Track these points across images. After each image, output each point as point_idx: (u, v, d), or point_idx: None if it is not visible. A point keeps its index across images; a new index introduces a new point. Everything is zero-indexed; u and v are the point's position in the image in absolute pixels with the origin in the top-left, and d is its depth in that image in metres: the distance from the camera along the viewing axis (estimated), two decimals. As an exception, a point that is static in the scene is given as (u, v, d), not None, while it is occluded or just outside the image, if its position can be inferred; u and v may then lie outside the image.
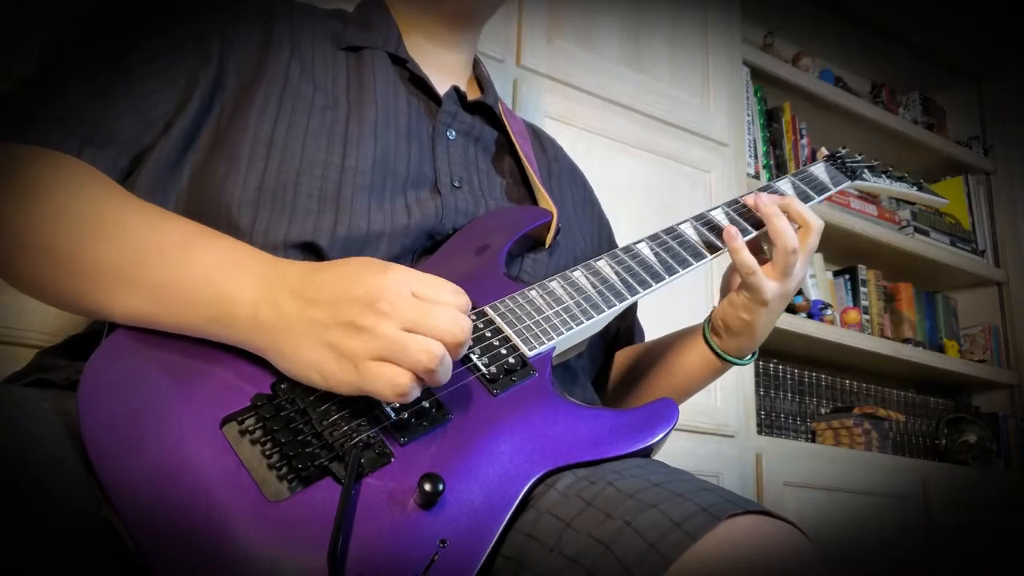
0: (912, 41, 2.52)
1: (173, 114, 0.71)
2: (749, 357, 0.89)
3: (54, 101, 0.66)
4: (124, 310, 0.58)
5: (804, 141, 2.26)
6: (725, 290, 0.87)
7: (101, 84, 0.68)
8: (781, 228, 0.80)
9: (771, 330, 0.86)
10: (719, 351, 0.87)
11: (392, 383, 0.52)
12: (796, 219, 0.82)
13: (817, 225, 0.82)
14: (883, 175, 1.06)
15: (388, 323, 0.53)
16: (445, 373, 0.54)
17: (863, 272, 2.36)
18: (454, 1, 0.88)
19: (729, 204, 0.87)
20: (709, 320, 0.89)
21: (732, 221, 0.85)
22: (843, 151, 1.04)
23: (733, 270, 0.85)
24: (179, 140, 0.70)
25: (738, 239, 0.80)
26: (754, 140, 2.10)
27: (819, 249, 2.23)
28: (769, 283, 0.80)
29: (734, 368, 0.90)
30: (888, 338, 2.29)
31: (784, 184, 0.93)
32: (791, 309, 2.02)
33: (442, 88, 0.87)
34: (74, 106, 0.66)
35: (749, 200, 0.86)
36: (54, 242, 0.59)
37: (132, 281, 0.58)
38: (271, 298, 0.56)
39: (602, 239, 1.02)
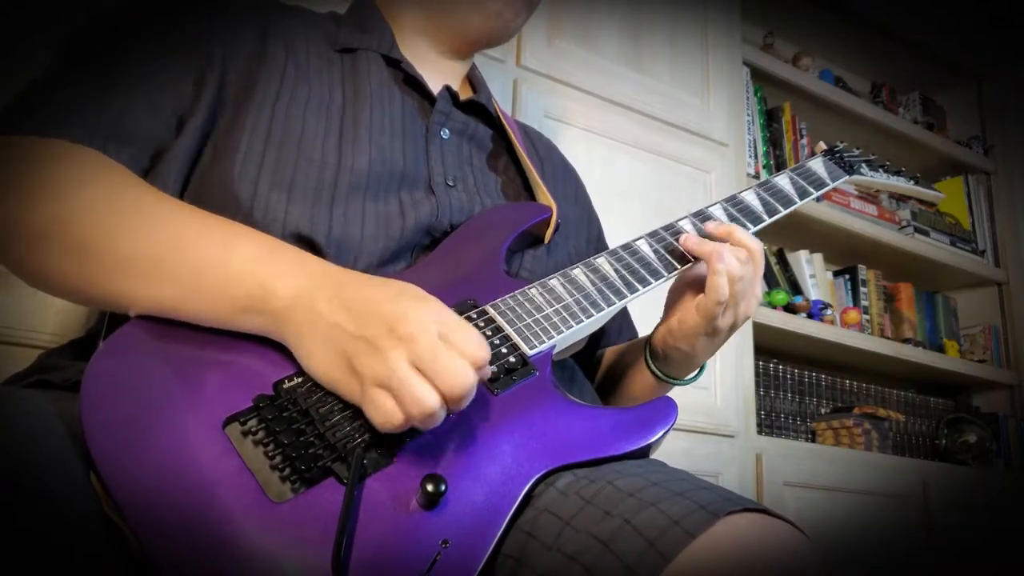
0: (912, 41, 2.52)
1: (186, 112, 0.71)
2: (697, 374, 0.87)
3: (74, 99, 0.67)
4: (153, 299, 0.58)
5: (804, 141, 2.26)
6: (669, 308, 0.83)
7: (116, 83, 0.69)
8: (729, 263, 0.75)
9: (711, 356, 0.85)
10: (661, 375, 0.85)
11: (386, 418, 0.53)
12: (740, 245, 0.78)
13: (757, 247, 0.79)
14: (880, 169, 1.06)
15: (400, 353, 0.53)
16: (434, 423, 0.54)
17: (863, 272, 2.36)
18: (465, 34, 0.89)
19: (728, 200, 0.87)
20: (650, 345, 0.86)
21: (731, 218, 0.85)
22: (841, 145, 1.04)
23: (679, 289, 0.82)
24: (193, 139, 0.71)
25: (722, 263, 0.75)
26: (754, 140, 2.10)
27: (819, 249, 2.23)
28: (728, 315, 0.78)
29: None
30: (888, 338, 2.29)
31: (782, 180, 0.93)
32: (791, 309, 2.02)
33: (436, 88, 0.87)
34: (93, 103, 0.67)
35: (747, 197, 0.88)
36: (82, 233, 0.59)
37: (168, 269, 0.58)
38: (309, 296, 0.57)
39: (591, 236, 1.02)
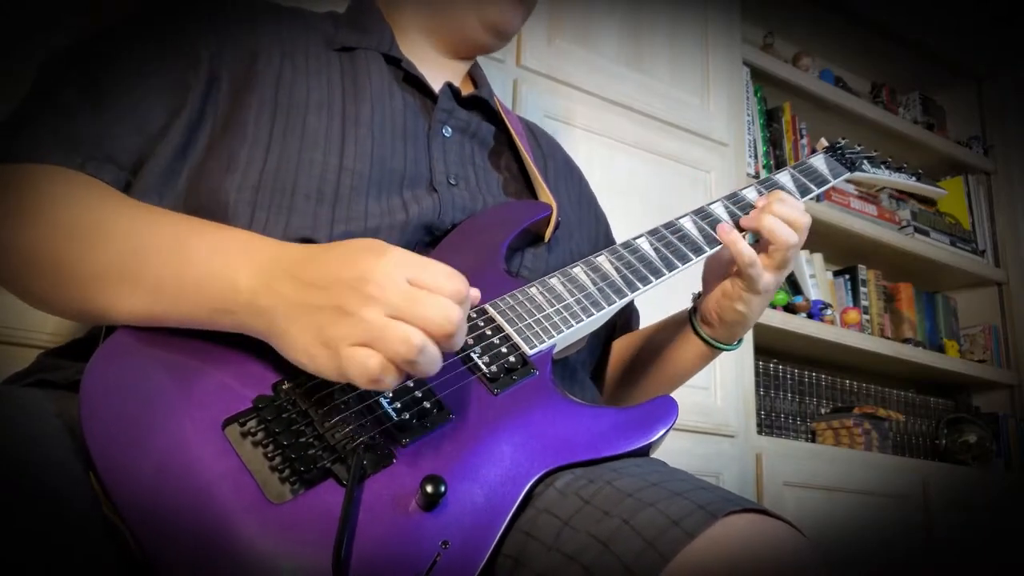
0: (912, 41, 2.52)
1: (167, 121, 0.71)
2: (738, 342, 0.90)
3: (54, 122, 0.67)
4: (128, 311, 0.58)
5: (804, 141, 2.26)
6: (711, 280, 0.88)
7: (96, 101, 0.69)
8: (776, 228, 0.80)
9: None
10: (712, 342, 0.88)
11: (362, 367, 0.50)
12: (784, 220, 0.82)
13: (804, 222, 0.83)
14: (882, 166, 1.06)
15: (373, 308, 0.51)
16: (428, 364, 0.51)
17: (863, 272, 2.36)
18: (465, 36, 0.90)
19: (728, 198, 0.87)
20: (695, 311, 0.90)
21: (732, 215, 0.85)
22: (843, 142, 1.04)
23: (717, 261, 0.86)
24: (175, 147, 0.71)
25: (732, 232, 0.81)
26: (754, 140, 2.10)
27: (819, 249, 2.23)
28: (765, 274, 0.82)
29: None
30: (888, 338, 2.29)
31: (783, 176, 0.93)
32: (791, 309, 2.02)
33: (436, 86, 0.87)
34: (74, 125, 0.67)
35: (748, 194, 0.87)
36: (56, 255, 0.60)
37: (134, 281, 0.58)
38: (268, 281, 0.55)
39: (599, 234, 1.02)
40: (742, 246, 0.80)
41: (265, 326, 0.55)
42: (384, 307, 0.51)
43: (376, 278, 0.52)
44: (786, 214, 0.81)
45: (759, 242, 0.83)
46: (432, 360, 0.52)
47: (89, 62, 0.72)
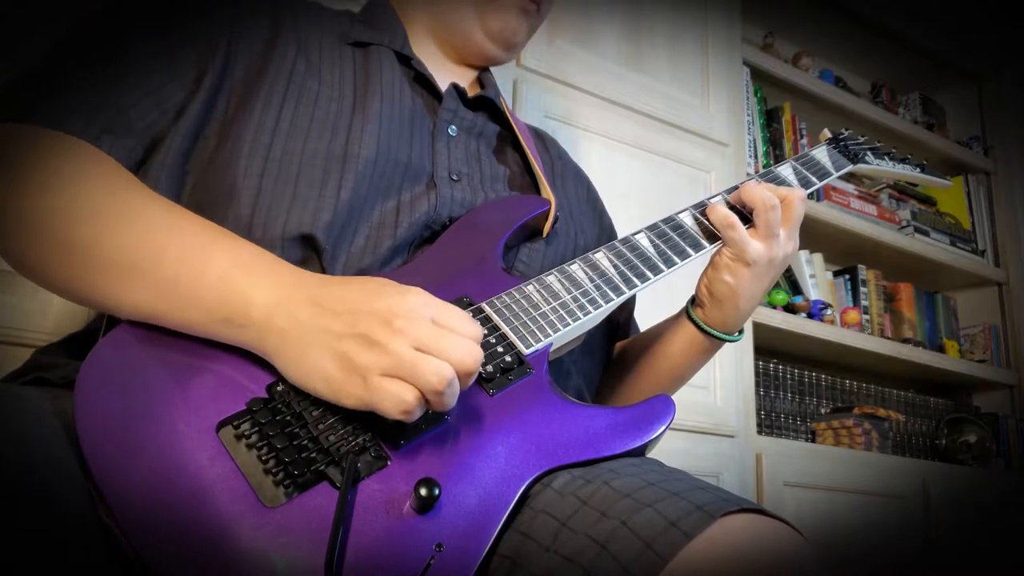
0: (912, 41, 2.52)
1: (184, 103, 0.71)
2: (737, 335, 0.87)
3: (71, 88, 0.66)
4: (134, 304, 0.58)
5: (804, 141, 2.26)
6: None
7: (115, 73, 0.69)
8: (754, 190, 0.80)
9: (757, 304, 0.85)
10: (702, 324, 0.86)
11: (398, 400, 0.51)
12: (777, 196, 0.81)
13: (799, 193, 0.82)
14: (886, 157, 1.04)
15: (402, 341, 0.52)
16: (452, 397, 0.53)
17: (863, 272, 2.36)
18: (470, 46, 0.91)
19: (728, 191, 0.86)
20: (693, 297, 0.88)
21: (732, 208, 0.84)
22: (846, 133, 1.02)
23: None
24: (189, 130, 0.71)
25: (717, 204, 0.81)
26: (754, 140, 2.10)
27: (819, 249, 2.23)
28: (752, 242, 0.80)
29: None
30: (888, 338, 2.29)
31: (785, 169, 0.91)
32: (791, 309, 2.02)
33: (444, 86, 0.87)
34: (91, 94, 0.67)
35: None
36: (69, 232, 0.59)
37: (147, 275, 0.58)
38: (287, 303, 0.56)
39: (601, 236, 1.02)
40: (720, 208, 0.81)
41: (273, 347, 0.56)
42: (412, 341, 0.53)
43: (404, 313, 0.53)
44: (768, 185, 0.82)
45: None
46: (455, 394, 0.54)
47: (111, 35, 0.71)
